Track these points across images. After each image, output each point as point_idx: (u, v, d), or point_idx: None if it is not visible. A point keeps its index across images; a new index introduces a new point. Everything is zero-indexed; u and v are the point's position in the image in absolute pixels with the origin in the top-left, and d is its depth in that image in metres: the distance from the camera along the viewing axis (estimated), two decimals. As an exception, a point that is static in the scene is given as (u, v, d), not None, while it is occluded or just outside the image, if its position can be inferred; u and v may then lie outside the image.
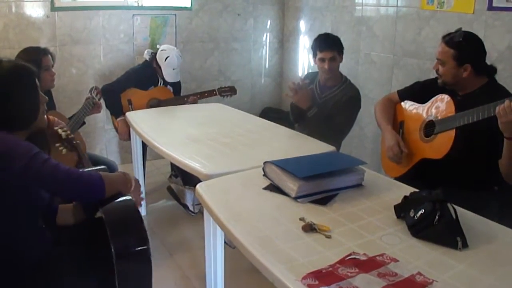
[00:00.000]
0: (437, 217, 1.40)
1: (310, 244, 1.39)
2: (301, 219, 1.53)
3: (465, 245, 1.36)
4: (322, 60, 2.93)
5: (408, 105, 2.46)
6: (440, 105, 2.20)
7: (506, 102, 1.74)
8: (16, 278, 1.63)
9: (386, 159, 2.57)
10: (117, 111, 3.55)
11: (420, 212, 1.45)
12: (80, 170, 1.70)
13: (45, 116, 2.35)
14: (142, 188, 3.29)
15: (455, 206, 1.47)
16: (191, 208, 3.36)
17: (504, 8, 2.74)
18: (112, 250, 1.54)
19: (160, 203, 3.64)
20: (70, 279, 1.72)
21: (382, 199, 1.73)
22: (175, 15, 4.43)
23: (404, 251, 1.35)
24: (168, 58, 3.63)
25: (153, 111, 3.37)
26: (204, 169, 2.05)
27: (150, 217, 3.34)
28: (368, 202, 1.70)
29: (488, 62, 2.18)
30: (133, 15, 4.24)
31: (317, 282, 1.18)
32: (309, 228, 1.46)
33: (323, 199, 1.70)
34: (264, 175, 1.89)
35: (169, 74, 3.66)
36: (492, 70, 2.17)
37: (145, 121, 2.94)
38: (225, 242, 1.90)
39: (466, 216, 1.53)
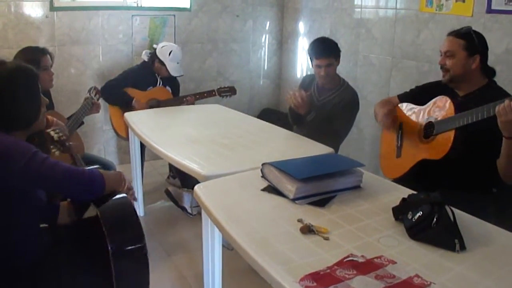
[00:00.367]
0: (435, 219, 1.41)
1: (308, 246, 1.39)
2: (299, 220, 1.53)
3: (462, 248, 1.36)
4: (318, 66, 2.93)
5: (407, 107, 2.46)
6: (439, 107, 2.20)
7: (506, 101, 1.75)
8: (15, 278, 1.63)
9: (384, 161, 2.58)
10: (126, 100, 3.55)
11: (418, 214, 1.45)
12: (80, 167, 1.71)
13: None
14: (140, 189, 3.32)
15: (453, 209, 1.47)
16: (189, 210, 3.36)
17: (502, 11, 2.75)
18: (109, 247, 1.55)
19: (158, 204, 3.63)
20: (69, 279, 1.72)
21: (380, 201, 1.73)
22: (174, 15, 4.44)
23: (402, 253, 1.35)
24: (171, 53, 3.67)
25: (152, 111, 3.37)
26: (202, 170, 2.05)
27: (148, 218, 3.34)
28: (366, 204, 1.71)
29: (487, 64, 2.21)
30: (132, 15, 4.24)
31: (315, 284, 1.18)
32: (307, 229, 1.46)
33: (321, 200, 1.70)
34: (262, 176, 1.89)
35: (174, 68, 3.69)
36: (492, 71, 2.19)
37: (143, 122, 2.94)
38: (223, 245, 1.90)
39: (464, 219, 1.53)
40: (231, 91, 3.84)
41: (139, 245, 1.64)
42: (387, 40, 3.67)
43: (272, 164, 1.83)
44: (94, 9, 4.07)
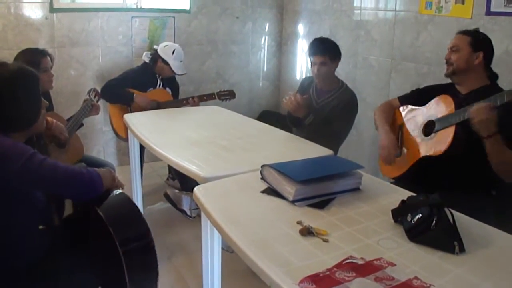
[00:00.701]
0: (434, 221, 1.40)
1: (307, 248, 1.39)
2: (299, 222, 1.53)
3: (462, 250, 1.36)
4: (313, 64, 2.97)
5: (408, 109, 2.48)
6: (440, 105, 2.23)
7: (480, 104, 1.89)
8: (13, 278, 1.63)
9: None
10: (127, 98, 3.56)
11: (417, 217, 1.45)
12: (78, 168, 1.71)
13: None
14: (139, 190, 3.32)
15: (452, 211, 1.47)
16: (188, 212, 3.36)
17: (502, 13, 2.76)
18: (118, 245, 1.57)
19: (157, 205, 3.64)
20: (67, 279, 1.73)
21: (380, 203, 1.73)
22: (174, 17, 4.44)
23: (401, 256, 1.35)
24: (175, 51, 3.71)
25: (151, 113, 3.37)
26: (201, 172, 2.04)
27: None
28: (366, 206, 1.70)
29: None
30: (132, 17, 4.24)
31: (314, 286, 1.17)
32: (307, 231, 1.46)
33: (321, 202, 1.70)
34: (262, 178, 1.89)
35: (178, 66, 3.72)
36: (495, 75, 2.24)
37: (143, 123, 2.93)
38: (222, 248, 1.90)
39: (463, 221, 1.53)
40: (231, 95, 3.85)
41: (147, 239, 1.70)
42: (386, 42, 3.67)
43: (271, 166, 1.83)
44: (94, 11, 4.08)
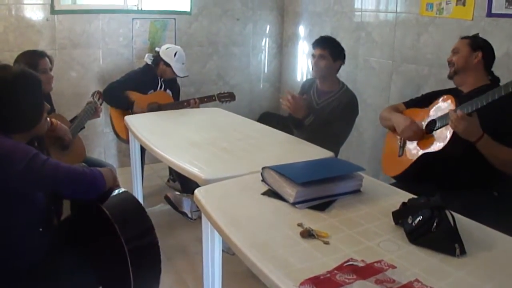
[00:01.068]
0: (435, 223, 1.40)
1: (308, 250, 1.39)
2: (299, 225, 1.53)
3: (463, 252, 1.36)
4: (313, 56, 3.02)
5: (412, 111, 2.51)
6: (442, 105, 2.27)
7: (458, 111, 1.98)
8: (14, 279, 1.64)
9: (386, 160, 2.60)
10: (125, 104, 3.56)
11: (418, 219, 1.45)
12: (80, 167, 1.72)
13: (48, 119, 2.41)
14: (140, 192, 3.32)
15: (453, 213, 1.47)
16: (189, 215, 3.35)
17: (503, 14, 2.76)
18: (123, 242, 1.59)
19: (158, 207, 3.63)
20: (68, 280, 1.73)
21: (380, 205, 1.73)
22: (175, 19, 4.44)
23: (402, 258, 1.35)
24: (177, 53, 3.73)
25: (152, 115, 3.37)
26: (202, 174, 2.04)
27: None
28: (366, 208, 1.70)
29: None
30: (133, 18, 4.25)
31: (314, 289, 1.18)
32: (307, 234, 1.46)
33: (322, 205, 1.70)
34: (263, 180, 1.89)
35: (180, 68, 3.75)
36: (496, 78, 2.30)
37: (143, 125, 2.93)
38: (223, 250, 1.90)
39: (464, 223, 1.53)
40: (230, 97, 3.86)
41: (151, 236, 1.72)
42: (387, 43, 3.67)
43: (272, 168, 1.83)
44: (95, 13, 4.08)
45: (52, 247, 1.76)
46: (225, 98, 3.84)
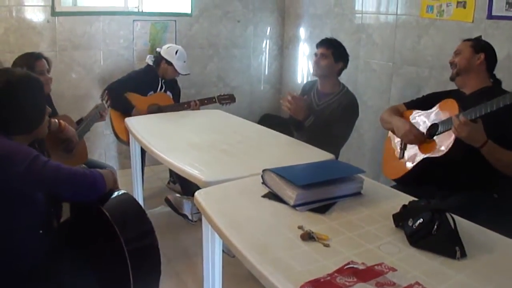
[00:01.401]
0: (435, 226, 1.40)
1: (308, 253, 1.39)
2: (300, 227, 1.53)
3: (463, 255, 1.36)
4: (315, 55, 3.04)
5: (413, 113, 2.50)
6: (444, 108, 2.26)
7: (461, 117, 1.97)
8: (16, 281, 1.64)
9: (387, 163, 2.59)
10: (126, 107, 3.57)
11: (418, 221, 1.45)
12: (81, 169, 1.73)
13: (56, 120, 2.44)
14: (140, 194, 3.32)
15: (454, 216, 1.47)
16: (189, 217, 3.35)
17: (503, 17, 2.75)
18: (123, 244, 1.59)
19: (158, 209, 3.63)
20: (69, 281, 1.73)
21: (381, 207, 1.73)
22: (175, 21, 4.45)
23: (402, 261, 1.34)
24: (178, 52, 3.75)
25: (152, 117, 3.37)
26: (203, 176, 2.04)
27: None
28: (367, 211, 1.70)
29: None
30: (133, 20, 4.25)
31: (315, 291, 1.17)
32: (308, 236, 1.46)
33: (322, 207, 1.70)
34: (263, 182, 1.89)
35: (182, 66, 3.76)
36: (498, 81, 2.31)
37: (144, 127, 2.94)
38: (223, 251, 1.90)
39: (464, 225, 1.53)
40: (231, 99, 3.87)
41: (151, 238, 1.73)
42: (387, 45, 3.67)
43: (272, 170, 1.83)
44: (95, 14, 4.08)
45: (52, 249, 1.77)
46: (226, 100, 3.84)
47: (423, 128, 2.36)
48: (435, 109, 2.33)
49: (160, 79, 3.76)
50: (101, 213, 1.68)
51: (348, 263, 1.31)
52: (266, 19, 4.95)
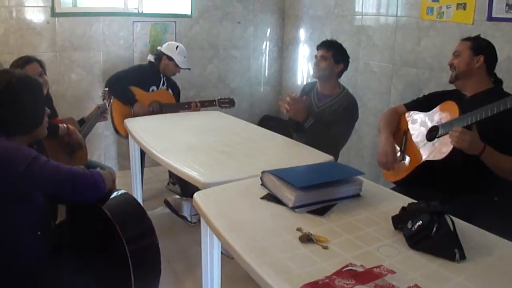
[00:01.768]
0: (434, 228, 1.40)
1: (307, 255, 1.38)
2: (298, 229, 1.52)
3: (462, 257, 1.35)
4: (315, 57, 3.04)
5: (413, 115, 2.50)
6: (444, 110, 2.26)
7: (456, 128, 1.98)
8: (15, 282, 1.64)
9: None
10: (129, 98, 3.59)
11: (417, 224, 1.44)
12: (80, 169, 1.73)
13: (65, 125, 2.46)
14: (140, 195, 3.32)
15: (453, 218, 1.46)
16: (189, 218, 3.35)
17: (503, 18, 2.75)
18: (124, 243, 1.60)
19: (158, 210, 3.63)
20: (69, 282, 1.73)
21: (380, 210, 1.73)
22: (175, 22, 4.45)
23: (401, 263, 1.34)
24: (178, 47, 3.81)
25: (152, 118, 3.37)
26: (202, 178, 2.04)
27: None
28: (366, 213, 1.70)
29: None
30: (133, 21, 4.25)
31: (313, 294, 1.17)
32: (306, 238, 1.45)
33: (321, 209, 1.69)
34: (262, 184, 1.88)
35: (182, 61, 3.82)
36: (499, 80, 2.28)
37: (143, 128, 2.93)
38: (222, 253, 1.89)
39: (464, 228, 1.53)
40: (230, 103, 3.93)
41: (152, 237, 1.74)
42: (387, 47, 3.67)
43: (271, 172, 1.83)
44: (95, 15, 4.09)
45: (52, 250, 1.77)
46: (225, 104, 3.89)
47: (421, 130, 2.35)
48: (435, 111, 2.32)
49: (161, 75, 3.78)
50: (99, 213, 1.68)
51: (347, 265, 1.31)
52: (266, 21, 4.95)
